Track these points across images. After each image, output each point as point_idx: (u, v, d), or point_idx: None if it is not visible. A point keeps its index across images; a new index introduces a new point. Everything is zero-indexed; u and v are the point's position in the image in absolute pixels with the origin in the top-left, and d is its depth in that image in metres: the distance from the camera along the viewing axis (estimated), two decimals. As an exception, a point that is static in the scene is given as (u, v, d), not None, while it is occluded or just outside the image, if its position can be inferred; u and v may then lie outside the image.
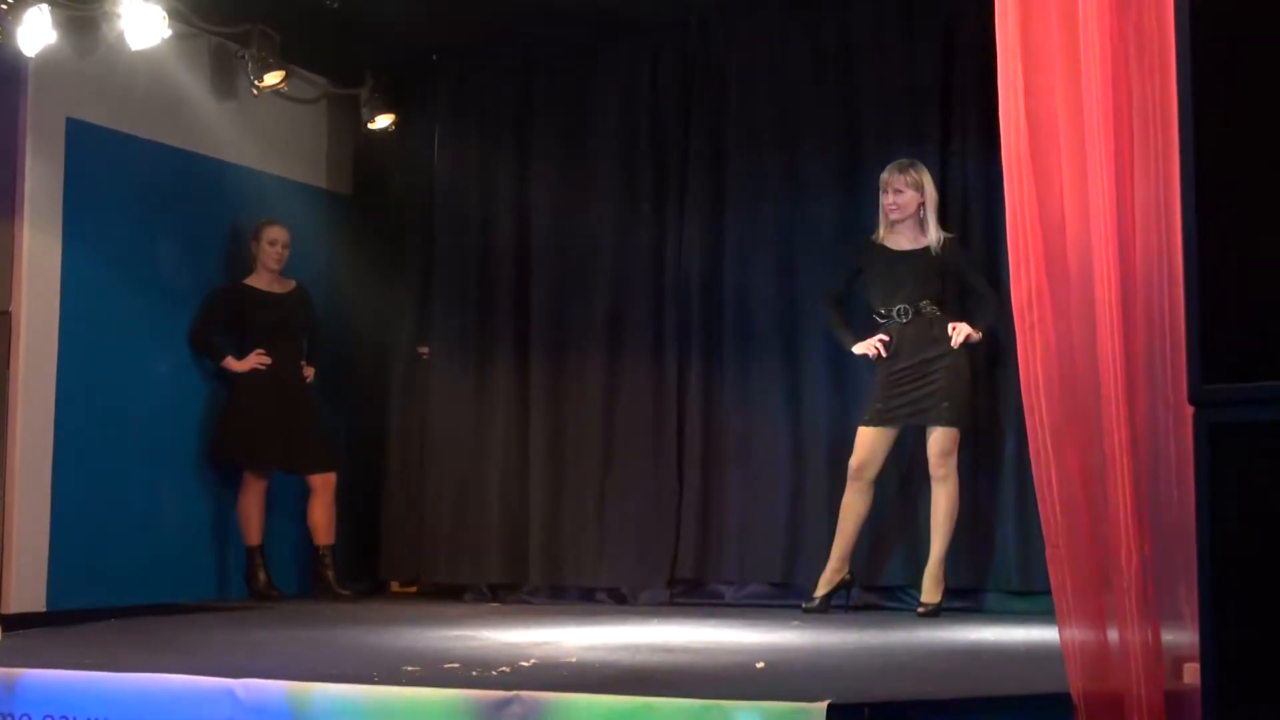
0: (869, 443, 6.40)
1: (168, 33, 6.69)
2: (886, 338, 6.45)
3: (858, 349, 6.53)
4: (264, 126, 7.67)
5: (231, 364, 7.24)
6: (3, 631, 5.24)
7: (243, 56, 7.35)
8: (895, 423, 6.40)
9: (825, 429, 7.00)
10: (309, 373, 7.53)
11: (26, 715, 4.18)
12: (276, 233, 7.39)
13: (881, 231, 6.53)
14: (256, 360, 7.21)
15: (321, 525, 7.42)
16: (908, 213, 6.46)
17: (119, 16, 6.57)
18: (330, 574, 7.40)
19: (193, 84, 7.33)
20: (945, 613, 6.45)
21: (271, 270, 7.38)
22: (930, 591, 6.34)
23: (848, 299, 6.78)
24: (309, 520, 7.40)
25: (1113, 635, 3.65)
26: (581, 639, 5.40)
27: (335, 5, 6.86)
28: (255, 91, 7.39)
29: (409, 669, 4.34)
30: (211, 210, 7.49)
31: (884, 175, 6.47)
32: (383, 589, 7.98)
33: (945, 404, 6.31)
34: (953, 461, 6.33)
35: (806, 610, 6.35)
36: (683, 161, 7.43)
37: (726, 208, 7.34)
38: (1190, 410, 3.08)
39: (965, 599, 6.67)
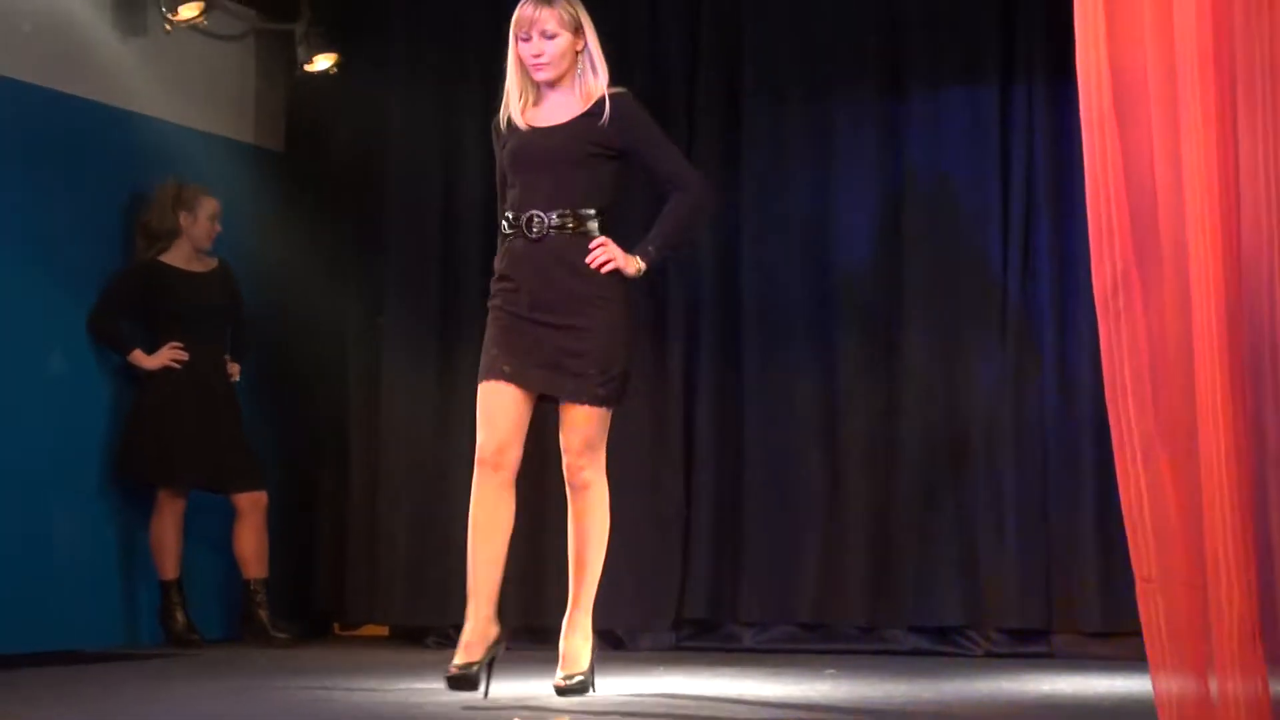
0: (501, 408, 5.17)
1: (62, -41, 6.83)
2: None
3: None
4: (179, 70, 7.77)
5: (141, 359, 7.32)
6: None
7: (148, -7, 7.47)
8: (530, 386, 5.20)
9: (865, 437, 7.12)
10: (234, 370, 7.62)
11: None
12: (214, 205, 7.49)
13: (519, 102, 5.29)
14: (171, 355, 7.29)
15: (251, 555, 7.50)
16: (559, 69, 5.23)
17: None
18: (263, 613, 7.48)
19: (93, 18, 7.41)
20: (1011, 659, 6.55)
21: (201, 248, 7.47)
22: (576, 656, 5.35)
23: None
24: (235, 549, 7.48)
25: (1214, 685, 3.76)
26: (565, 697, 5.47)
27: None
28: (168, 27, 7.49)
29: None
30: (115, 171, 7.58)
31: (519, 13, 5.21)
32: (323, 630, 8.08)
33: (593, 371, 5.18)
34: (600, 460, 5.33)
35: (452, 682, 5.08)
36: (688, 109, 7.52)
37: (742, 167, 7.44)
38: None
39: (1033, 642, 6.81)
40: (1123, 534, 3.91)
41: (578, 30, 5.20)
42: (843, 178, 7.29)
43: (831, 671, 6.15)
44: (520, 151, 5.22)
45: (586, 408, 5.18)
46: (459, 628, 7.44)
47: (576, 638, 5.35)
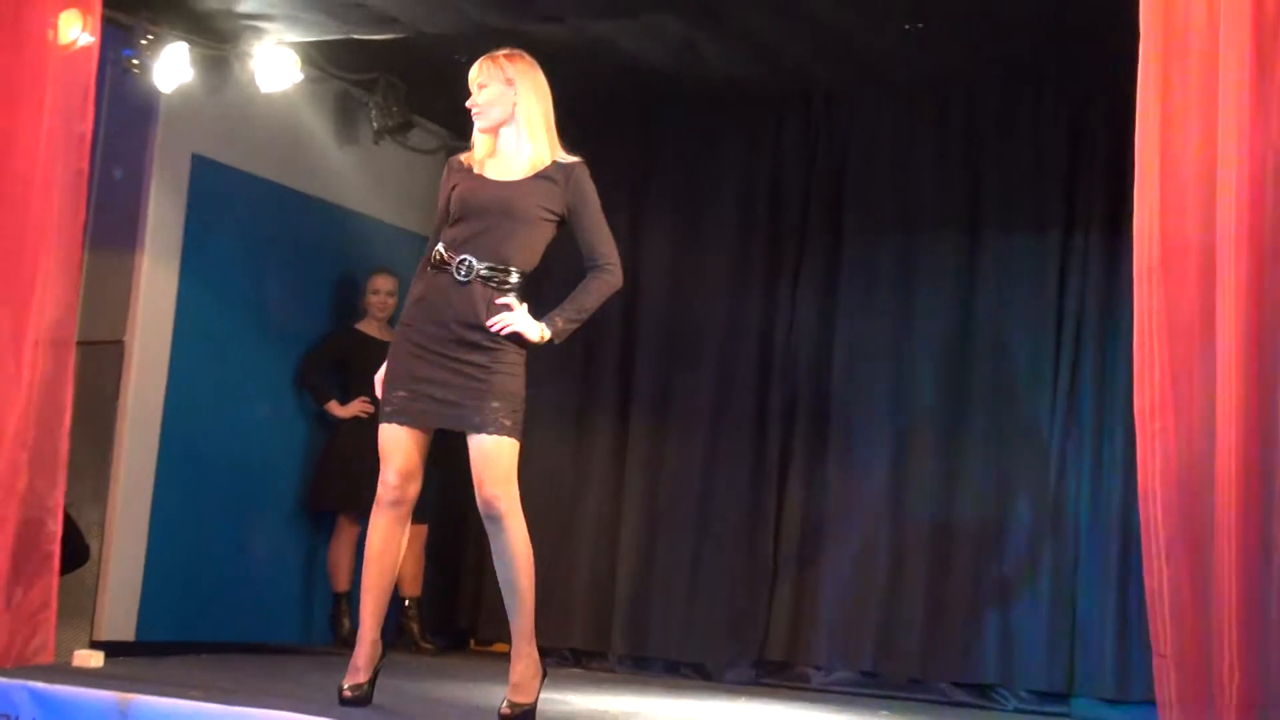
0: (400, 448, 4.74)
1: (299, 77, 6.99)
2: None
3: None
4: (383, 174, 7.90)
5: (335, 409, 7.45)
6: (105, 657, 5.46)
7: (368, 104, 7.60)
8: (430, 424, 4.75)
9: (927, 524, 7.11)
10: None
11: (136, 741, 4.43)
12: (383, 281, 7.61)
13: (474, 153, 4.86)
14: (360, 407, 7.35)
15: (409, 576, 7.55)
16: (491, 118, 4.77)
17: (253, 58, 6.88)
18: (415, 626, 7.57)
19: (317, 128, 7.59)
20: (1036, 715, 6.53)
21: (379, 319, 7.62)
22: (526, 687, 4.77)
23: None
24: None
25: (1212, 752, 3.80)
26: (667, 712, 5.54)
27: (463, 60, 7.12)
28: (376, 140, 7.67)
29: None
30: (325, 254, 7.72)
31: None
32: (462, 644, 8.15)
33: (497, 404, 4.61)
34: (515, 491, 4.66)
35: (345, 703, 4.73)
36: (799, 239, 7.58)
37: (839, 290, 7.48)
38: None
39: (1054, 703, 6.76)
40: (1136, 617, 3.95)
41: (509, 82, 4.75)
42: (921, 307, 7.29)
43: (885, 713, 6.16)
44: (471, 197, 4.72)
45: (496, 438, 4.57)
46: (575, 650, 7.64)
47: (526, 668, 4.75)
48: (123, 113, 6.74)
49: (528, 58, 4.84)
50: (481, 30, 6.41)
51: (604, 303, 4.82)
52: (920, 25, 6.39)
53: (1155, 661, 3.91)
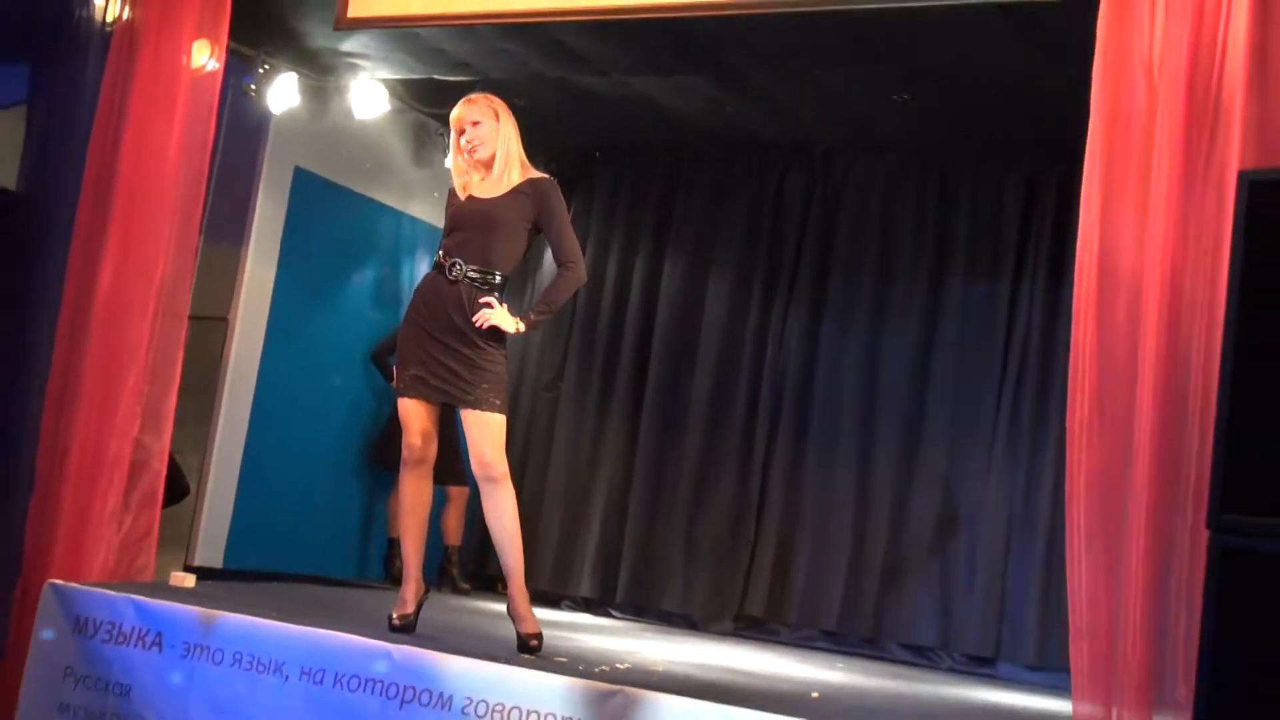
0: (418, 417, 4.81)
1: (386, 107, 7.04)
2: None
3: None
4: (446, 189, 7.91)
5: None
6: (196, 580, 5.50)
7: (439, 134, 7.59)
8: (436, 399, 4.78)
9: (887, 509, 7.11)
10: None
11: (220, 650, 4.45)
12: None
13: (460, 180, 4.87)
14: (419, 384, 7.39)
15: (452, 528, 7.58)
16: (488, 148, 4.79)
17: (349, 89, 6.93)
18: (455, 570, 7.57)
19: (398, 151, 7.64)
20: (967, 675, 6.54)
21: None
22: (530, 617, 4.75)
23: None
24: (442, 523, 7.53)
25: (1115, 714, 3.78)
26: (662, 653, 5.55)
27: (522, 103, 7.15)
28: (447, 164, 7.66)
29: (559, 659, 4.51)
30: (398, 255, 7.76)
31: (454, 116, 4.85)
32: (492, 587, 8.17)
33: (486, 386, 4.69)
34: (504, 458, 4.73)
35: (395, 629, 4.76)
36: (793, 270, 7.57)
37: (824, 316, 7.47)
38: (1206, 533, 3.25)
39: (984, 666, 6.77)
40: (1056, 597, 3.96)
41: (496, 117, 4.78)
42: (890, 336, 7.28)
43: (841, 666, 6.18)
44: (460, 215, 4.76)
45: (488, 414, 4.64)
46: (585, 598, 7.67)
47: (525, 604, 4.73)
48: (239, 128, 6.80)
49: (499, 98, 4.87)
50: (538, 78, 6.45)
51: (571, 295, 4.90)
52: (907, 97, 6.40)
53: (1071, 635, 3.92)
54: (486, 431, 4.66)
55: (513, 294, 4.89)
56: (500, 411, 4.68)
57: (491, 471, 4.67)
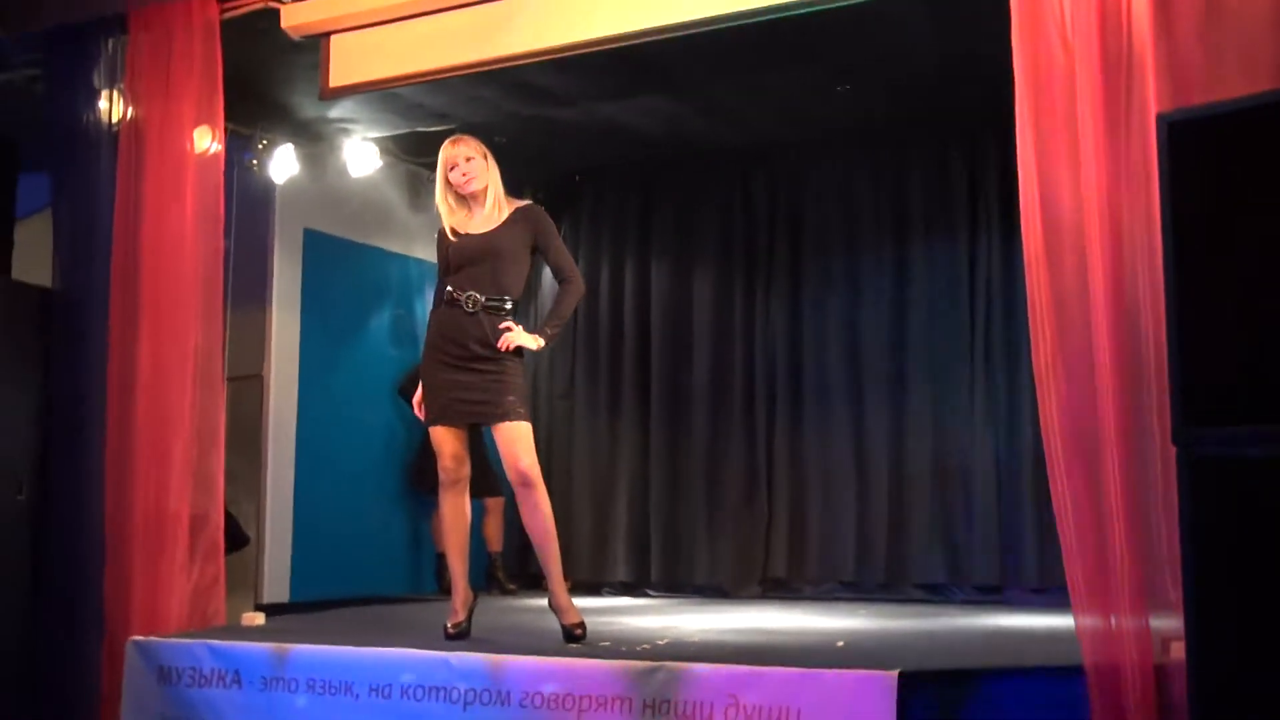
0: (449, 442, 4.77)
1: (379, 163, 6.99)
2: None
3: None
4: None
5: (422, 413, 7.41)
6: (265, 617, 5.47)
7: (431, 180, 7.54)
8: (463, 421, 4.75)
9: (885, 465, 7.07)
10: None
11: (294, 679, 4.42)
12: None
13: (450, 219, 4.80)
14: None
15: (493, 536, 7.54)
16: (481, 182, 4.74)
17: (343, 151, 6.88)
18: (500, 573, 7.52)
19: (395, 201, 7.59)
20: (978, 604, 6.48)
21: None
22: (573, 609, 4.73)
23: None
24: (484, 532, 7.48)
25: (1114, 621, 3.75)
26: (698, 624, 5.50)
27: (502, 141, 7.11)
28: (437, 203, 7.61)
29: (603, 644, 4.49)
30: (407, 295, 7.71)
31: (444, 155, 4.78)
32: (536, 585, 8.11)
33: (512, 399, 4.66)
34: (536, 463, 4.69)
35: (451, 637, 4.72)
36: (769, 258, 7.52)
37: (802, 294, 7.42)
38: (1174, 449, 3.20)
39: (992, 594, 6.72)
40: (1053, 523, 3.92)
41: (485, 155, 4.76)
42: (866, 300, 7.24)
43: (863, 612, 6.15)
44: (462, 251, 4.70)
45: (517, 424, 4.61)
46: (622, 583, 7.61)
47: (566, 597, 4.73)
48: (248, 200, 6.75)
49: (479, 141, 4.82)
50: (513, 117, 6.39)
51: (576, 306, 4.90)
52: (848, 87, 6.34)
53: (1064, 555, 3.88)
54: (518, 440, 4.62)
55: (516, 316, 4.83)
56: (527, 420, 4.65)
57: (528, 477, 4.61)
